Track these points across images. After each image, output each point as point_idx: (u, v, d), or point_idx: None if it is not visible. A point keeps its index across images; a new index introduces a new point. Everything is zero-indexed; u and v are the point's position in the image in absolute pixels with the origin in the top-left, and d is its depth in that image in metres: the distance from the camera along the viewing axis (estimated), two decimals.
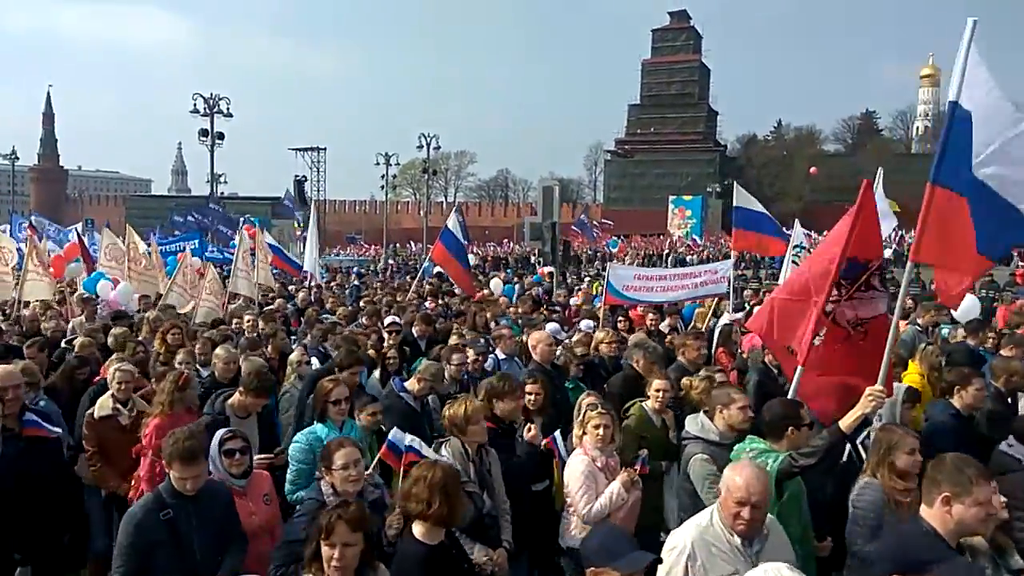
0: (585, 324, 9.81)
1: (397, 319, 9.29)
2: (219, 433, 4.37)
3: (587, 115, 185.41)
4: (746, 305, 12.10)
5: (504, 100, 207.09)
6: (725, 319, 9.94)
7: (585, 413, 4.82)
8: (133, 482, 5.35)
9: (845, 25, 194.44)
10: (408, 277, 22.55)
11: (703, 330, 9.72)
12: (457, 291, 14.75)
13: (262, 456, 5.00)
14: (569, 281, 20.93)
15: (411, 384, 5.99)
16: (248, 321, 9.65)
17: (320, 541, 3.02)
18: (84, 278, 14.18)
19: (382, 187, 56.38)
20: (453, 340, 7.98)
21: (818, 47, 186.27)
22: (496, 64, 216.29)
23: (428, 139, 48.84)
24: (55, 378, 6.82)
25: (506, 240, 61.27)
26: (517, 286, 17.18)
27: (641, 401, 5.60)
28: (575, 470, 4.62)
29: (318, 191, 62.17)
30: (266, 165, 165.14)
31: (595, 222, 54.74)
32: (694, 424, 4.66)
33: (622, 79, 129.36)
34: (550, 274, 17.24)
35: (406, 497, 3.50)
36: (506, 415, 5.16)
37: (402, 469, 4.26)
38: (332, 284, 19.90)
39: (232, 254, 16.41)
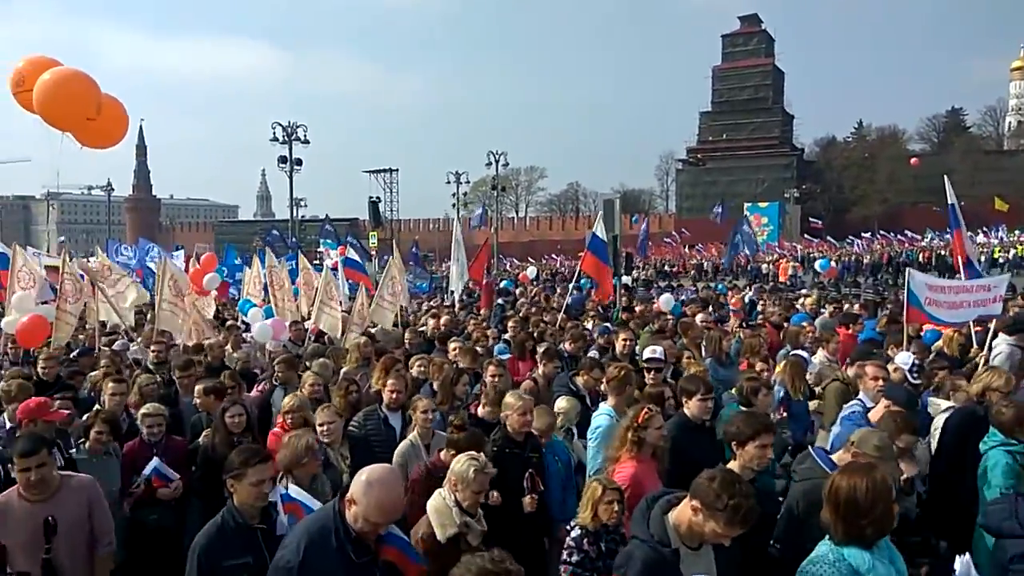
0: (902, 358, 7.08)
1: (658, 352, 6.97)
2: None
3: (658, 124, 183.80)
4: None
5: (573, 113, 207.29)
6: (1003, 346, 7.58)
7: None
8: None
9: (927, 20, 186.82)
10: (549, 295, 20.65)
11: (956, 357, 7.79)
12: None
13: None
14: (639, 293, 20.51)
15: None
16: (454, 350, 8.30)
17: None
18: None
19: (453, 205, 57.16)
20: (759, 390, 5.60)
21: (899, 44, 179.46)
22: (564, 78, 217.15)
23: (496, 156, 49.44)
24: (211, 434, 5.64)
25: (579, 253, 61.03)
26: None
27: None
28: None
29: (392, 211, 63.70)
30: (342, 187, 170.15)
31: (672, 232, 53.83)
32: None
33: (693, 87, 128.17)
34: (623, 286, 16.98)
35: None
36: None
37: None
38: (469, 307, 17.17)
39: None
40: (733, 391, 6.02)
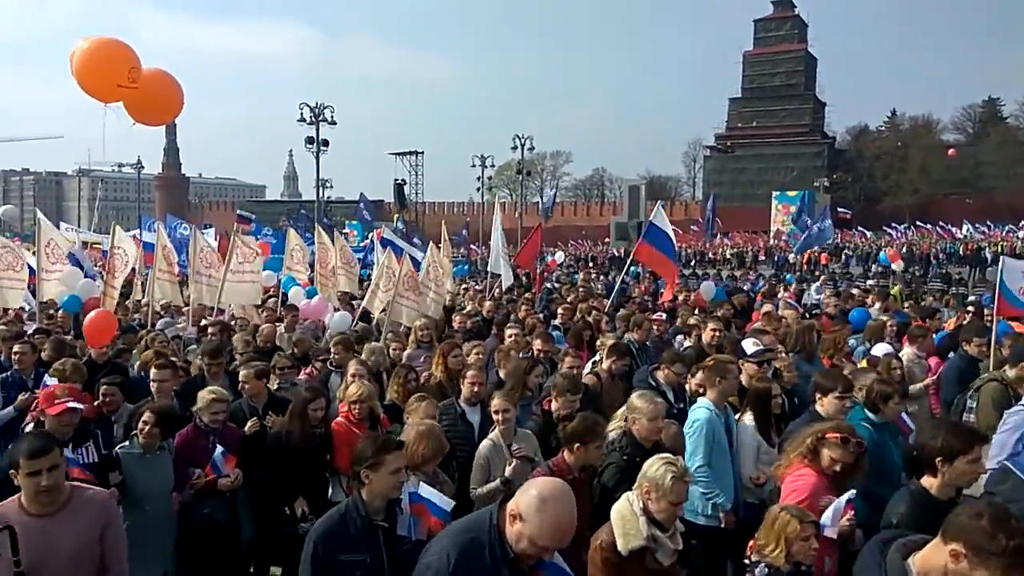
0: None
1: (761, 344, 6.37)
2: None
3: (686, 110, 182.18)
4: None
5: (601, 98, 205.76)
6: None
7: None
8: None
9: (963, 8, 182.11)
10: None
11: None
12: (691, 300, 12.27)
13: None
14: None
15: None
16: (511, 337, 7.89)
17: None
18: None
19: (478, 188, 57.16)
20: (891, 396, 4.78)
21: (934, 32, 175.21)
22: (593, 62, 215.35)
23: (522, 140, 49.22)
24: (287, 422, 5.24)
25: (605, 239, 60.81)
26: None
27: None
28: None
29: (417, 193, 63.91)
30: (369, 168, 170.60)
31: (699, 219, 53.32)
32: None
33: (723, 72, 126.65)
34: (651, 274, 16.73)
35: None
36: None
37: None
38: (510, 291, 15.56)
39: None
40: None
